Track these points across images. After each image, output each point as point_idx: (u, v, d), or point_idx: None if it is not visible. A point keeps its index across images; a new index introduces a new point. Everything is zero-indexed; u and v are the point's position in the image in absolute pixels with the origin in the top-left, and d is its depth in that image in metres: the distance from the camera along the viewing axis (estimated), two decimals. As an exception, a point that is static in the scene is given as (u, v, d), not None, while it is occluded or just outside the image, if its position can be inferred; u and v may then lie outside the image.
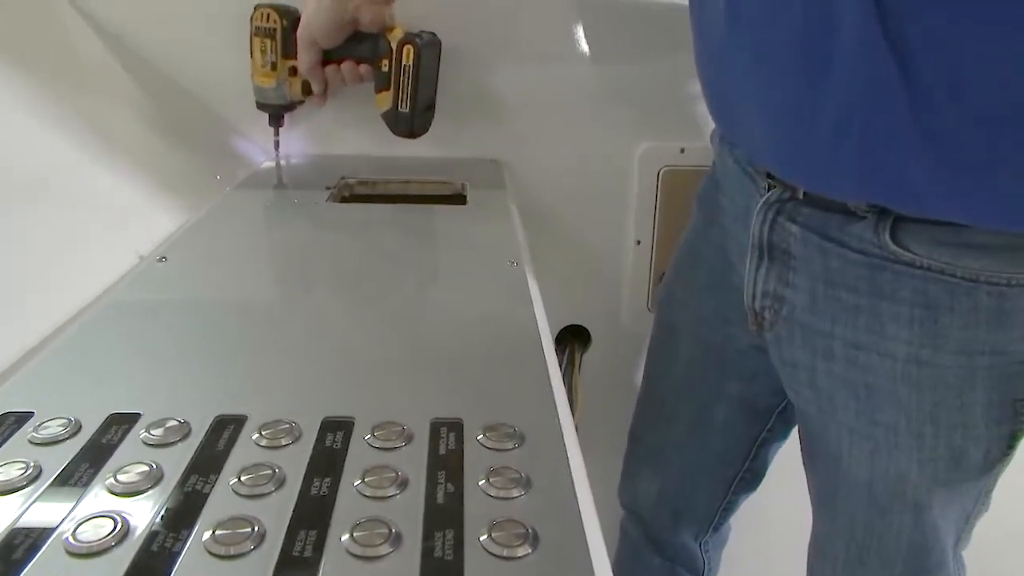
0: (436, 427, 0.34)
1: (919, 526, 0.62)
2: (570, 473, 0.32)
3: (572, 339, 1.05)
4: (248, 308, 0.50)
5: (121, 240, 0.68)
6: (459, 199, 0.79)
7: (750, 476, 0.85)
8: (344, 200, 0.82)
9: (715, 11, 0.57)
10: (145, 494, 0.30)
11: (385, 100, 0.82)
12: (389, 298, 0.52)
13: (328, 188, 0.78)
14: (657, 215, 0.97)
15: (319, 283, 0.56)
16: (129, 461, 0.31)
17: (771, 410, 0.80)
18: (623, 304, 1.03)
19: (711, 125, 0.94)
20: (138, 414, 0.35)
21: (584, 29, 0.91)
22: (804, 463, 0.72)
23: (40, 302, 0.53)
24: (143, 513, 0.29)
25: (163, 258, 0.56)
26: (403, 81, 0.80)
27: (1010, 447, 0.59)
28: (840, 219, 0.56)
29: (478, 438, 0.34)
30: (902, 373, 0.57)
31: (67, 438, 0.33)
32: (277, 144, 0.90)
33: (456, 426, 0.35)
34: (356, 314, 0.50)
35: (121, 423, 0.34)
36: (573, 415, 0.38)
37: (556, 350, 0.85)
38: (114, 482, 0.30)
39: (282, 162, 0.90)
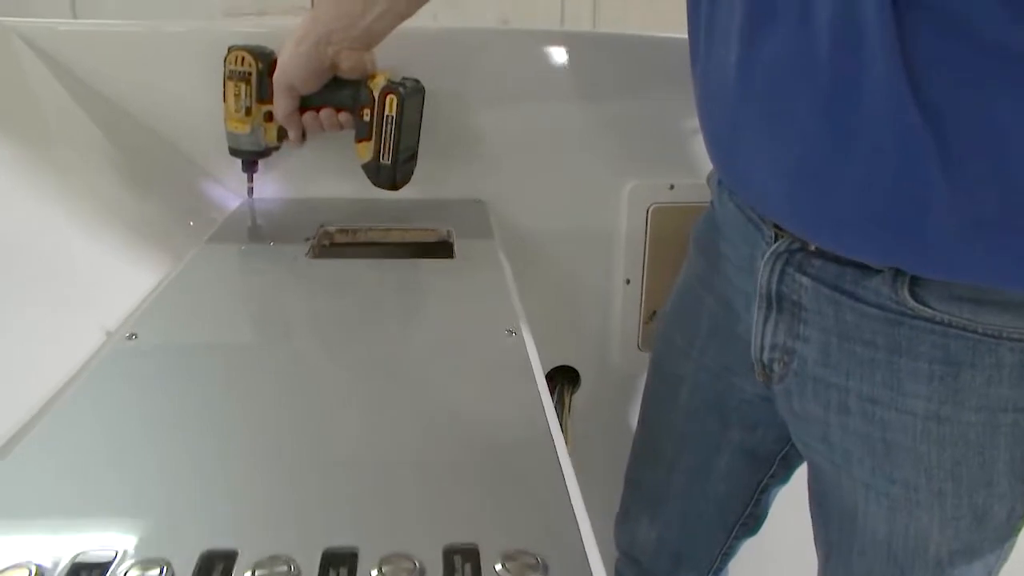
0: (449, 556, 0.31)
1: (939, 585, 0.60)
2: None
3: (562, 379, 1.02)
4: (231, 404, 0.45)
5: (90, 296, 0.63)
6: (445, 248, 0.76)
7: (752, 521, 0.83)
8: (324, 249, 0.78)
9: (724, 59, 0.54)
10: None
11: (366, 151, 0.79)
12: (384, 391, 0.47)
13: (307, 240, 0.74)
14: (647, 253, 0.94)
15: (306, 371, 0.51)
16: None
17: (774, 456, 0.78)
18: (613, 344, 1.00)
19: (701, 162, 0.92)
20: (111, 555, 0.30)
21: (569, 64, 0.88)
22: (812, 512, 0.70)
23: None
24: None
25: (133, 335, 0.52)
26: (385, 132, 0.77)
27: None
28: (855, 273, 0.54)
29: (497, 569, 0.30)
30: (922, 430, 0.55)
31: (29, 594, 0.29)
32: (251, 191, 0.86)
33: (472, 554, 0.31)
34: (350, 413, 0.45)
35: (91, 571, 0.29)
36: None
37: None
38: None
39: (257, 207, 0.86)
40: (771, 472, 0.79)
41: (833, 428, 0.59)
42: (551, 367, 1.01)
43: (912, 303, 0.52)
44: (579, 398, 1.02)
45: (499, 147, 0.89)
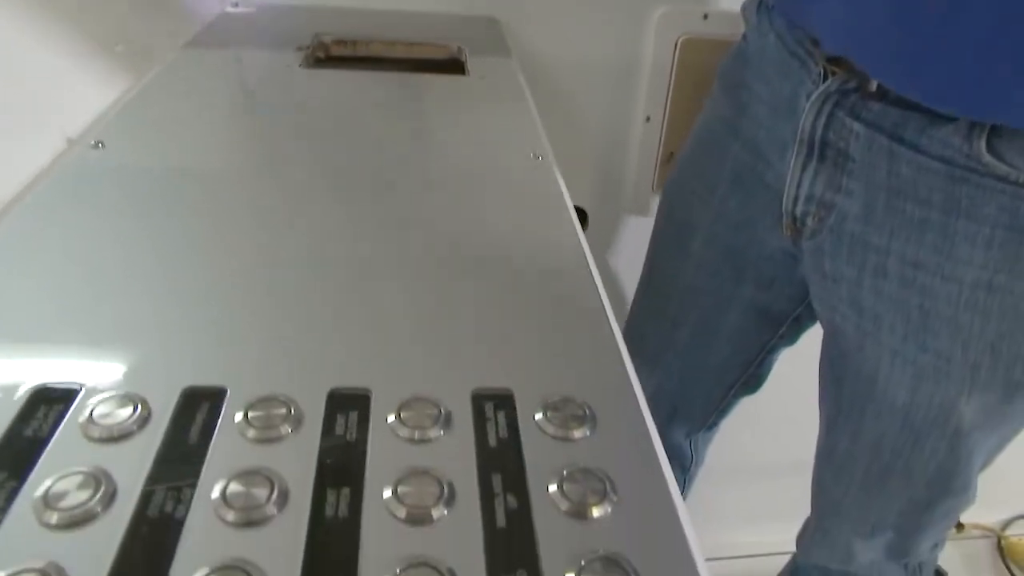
0: (479, 403, 0.26)
1: (953, 452, 0.58)
2: (662, 472, 0.24)
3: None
4: (217, 223, 0.38)
5: (47, 113, 0.55)
6: (456, 66, 0.68)
7: (753, 380, 0.81)
8: (319, 63, 0.69)
9: None
10: (88, 526, 0.21)
11: None
12: (395, 211, 0.41)
13: (300, 49, 0.66)
14: (671, 90, 0.86)
15: (302, 188, 0.44)
16: (65, 470, 0.22)
17: (786, 316, 0.74)
18: (627, 184, 0.94)
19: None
20: (74, 389, 0.25)
21: None
22: (822, 372, 0.67)
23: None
24: (85, 558, 0.20)
25: (99, 143, 0.44)
26: None
27: None
28: (920, 120, 0.47)
29: (536, 418, 0.26)
30: (968, 299, 0.50)
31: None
32: (235, -10, 0.76)
33: (505, 401, 0.26)
34: (359, 237, 0.38)
35: (52, 403, 0.24)
36: None
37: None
38: (45, 507, 0.21)
39: (242, 10, 0.77)
40: (780, 332, 0.75)
41: (865, 291, 0.55)
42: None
43: (987, 157, 0.45)
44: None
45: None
